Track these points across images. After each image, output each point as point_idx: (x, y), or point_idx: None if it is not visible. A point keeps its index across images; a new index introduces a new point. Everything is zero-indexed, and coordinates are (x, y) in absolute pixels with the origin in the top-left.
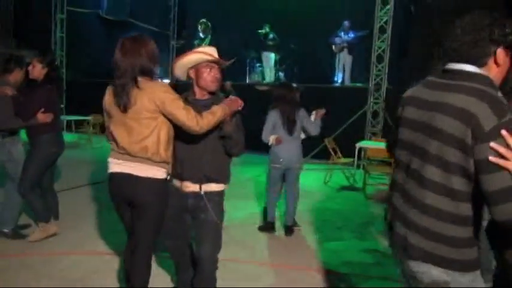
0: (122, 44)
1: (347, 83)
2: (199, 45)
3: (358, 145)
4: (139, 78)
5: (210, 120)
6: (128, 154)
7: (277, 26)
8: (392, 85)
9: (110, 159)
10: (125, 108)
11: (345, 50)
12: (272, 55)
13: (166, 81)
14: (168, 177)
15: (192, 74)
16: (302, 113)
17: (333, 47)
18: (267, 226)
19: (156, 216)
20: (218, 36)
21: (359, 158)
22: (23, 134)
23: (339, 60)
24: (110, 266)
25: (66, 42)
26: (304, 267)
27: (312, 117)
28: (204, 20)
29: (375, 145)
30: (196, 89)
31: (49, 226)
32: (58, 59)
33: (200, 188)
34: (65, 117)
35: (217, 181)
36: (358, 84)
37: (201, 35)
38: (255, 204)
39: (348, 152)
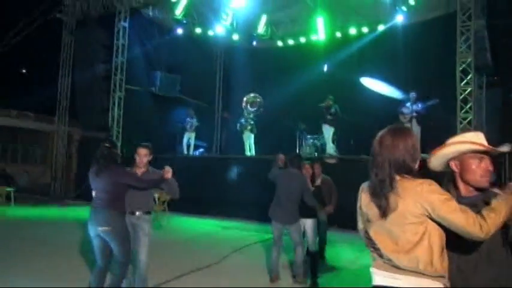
0: (381, 137)
1: None
2: (248, 116)
3: None
4: (397, 177)
5: (496, 221)
6: (394, 266)
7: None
8: None
9: (374, 270)
10: (384, 212)
11: (414, 121)
12: (333, 128)
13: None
14: None
15: (455, 167)
16: None
17: (401, 117)
18: None
19: None
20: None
21: None
22: None
23: None
24: None
25: (122, 119)
26: None
27: None
28: (252, 94)
29: None
30: (460, 184)
31: None
32: (114, 136)
33: None
34: None
35: None
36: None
37: (249, 108)
38: None
39: None
